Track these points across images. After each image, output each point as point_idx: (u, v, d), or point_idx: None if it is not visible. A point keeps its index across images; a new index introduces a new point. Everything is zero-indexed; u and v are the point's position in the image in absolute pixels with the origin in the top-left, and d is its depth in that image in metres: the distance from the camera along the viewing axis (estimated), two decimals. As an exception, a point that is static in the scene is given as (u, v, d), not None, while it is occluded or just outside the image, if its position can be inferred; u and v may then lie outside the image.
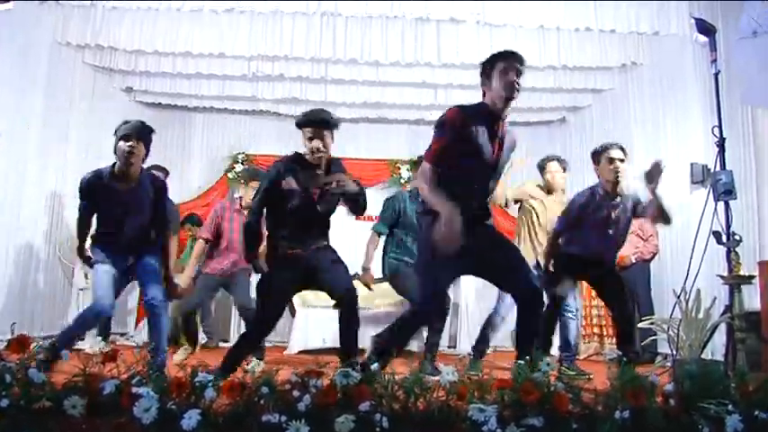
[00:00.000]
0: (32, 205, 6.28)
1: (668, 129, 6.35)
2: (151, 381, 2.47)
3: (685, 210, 5.72)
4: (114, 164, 3.98)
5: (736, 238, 3.58)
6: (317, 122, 3.81)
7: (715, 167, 3.73)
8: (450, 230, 3.03)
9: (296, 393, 2.39)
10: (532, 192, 5.78)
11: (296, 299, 7.20)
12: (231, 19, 6.47)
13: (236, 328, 7.86)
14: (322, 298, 5.71)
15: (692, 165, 5.78)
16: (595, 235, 4.66)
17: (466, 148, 3.24)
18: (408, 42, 6.58)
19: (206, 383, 2.41)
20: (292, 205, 3.82)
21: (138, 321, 7.67)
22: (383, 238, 5.45)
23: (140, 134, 3.98)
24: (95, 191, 3.98)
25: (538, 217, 5.66)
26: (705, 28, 3.89)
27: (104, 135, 7.39)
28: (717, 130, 3.73)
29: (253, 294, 4.80)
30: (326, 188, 3.82)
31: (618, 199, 4.70)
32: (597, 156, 4.69)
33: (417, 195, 4.46)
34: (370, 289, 5.45)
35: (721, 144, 3.71)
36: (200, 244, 5.67)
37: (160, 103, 8.29)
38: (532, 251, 5.54)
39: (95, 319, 4.07)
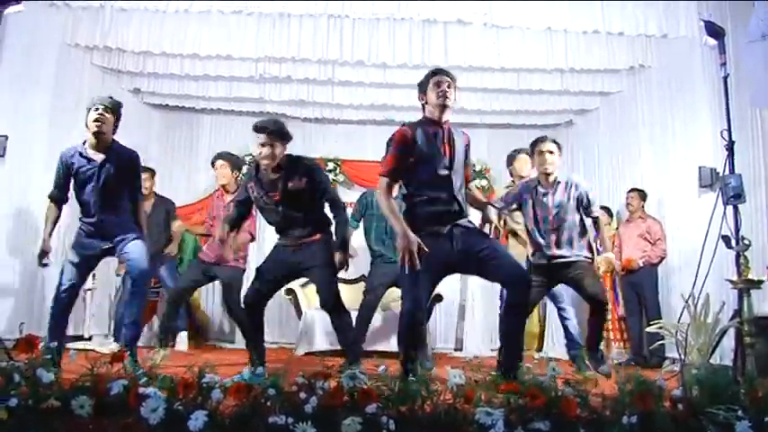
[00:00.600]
0: (39, 206, 6.27)
1: (676, 132, 6.33)
2: (158, 381, 2.47)
3: (693, 214, 5.71)
4: (85, 141, 4.22)
5: (746, 242, 3.56)
6: (262, 130, 4.31)
7: (724, 171, 3.71)
8: (403, 238, 3.44)
9: (303, 395, 2.38)
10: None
11: (302, 300, 7.20)
12: (239, 21, 6.48)
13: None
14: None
15: (700, 168, 5.76)
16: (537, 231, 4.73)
17: (418, 158, 3.60)
18: (415, 44, 6.57)
19: (213, 384, 2.41)
20: (260, 208, 4.48)
21: (143, 324, 7.68)
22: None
23: (109, 104, 4.16)
24: (69, 160, 4.20)
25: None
26: (714, 30, 3.87)
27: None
28: (726, 134, 3.71)
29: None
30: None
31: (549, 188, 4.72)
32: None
33: None
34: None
35: (730, 147, 3.69)
36: None
37: (168, 105, 8.31)
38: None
39: (56, 306, 4.17)
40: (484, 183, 8.57)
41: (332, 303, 4.40)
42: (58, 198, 4.29)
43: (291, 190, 4.31)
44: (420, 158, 3.61)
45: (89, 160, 4.15)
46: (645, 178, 6.83)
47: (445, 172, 3.65)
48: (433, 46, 6.56)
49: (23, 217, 6.00)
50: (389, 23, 6.50)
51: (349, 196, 8.50)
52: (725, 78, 3.82)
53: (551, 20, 6.13)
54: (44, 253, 4.29)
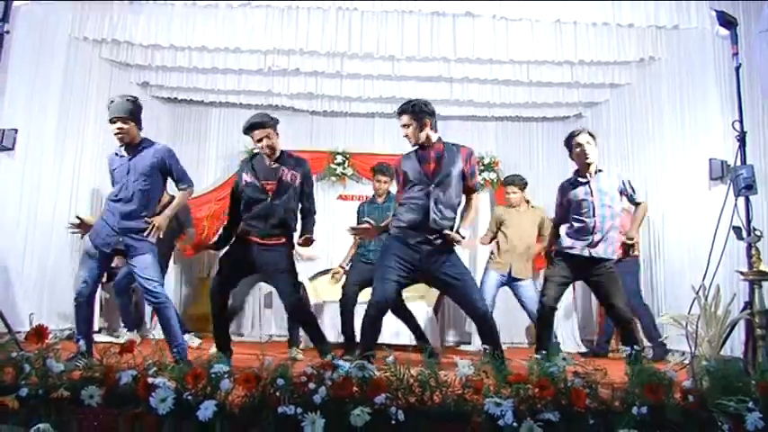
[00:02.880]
0: (49, 198, 6.32)
1: (687, 124, 6.28)
2: (166, 371, 2.48)
3: (704, 206, 5.67)
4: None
5: (757, 233, 3.53)
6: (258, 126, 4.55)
7: (735, 162, 3.68)
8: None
9: (311, 386, 2.39)
10: (499, 213, 6.56)
11: (311, 293, 7.22)
12: (247, 13, 6.47)
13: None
14: (337, 292, 5.77)
15: (710, 161, 5.72)
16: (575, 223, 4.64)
17: (404, 178, 4.24)
18: (424, 37, 6.54)
19: (222, 375, 2.41)
20: (247, 197, 4.63)
21: (153, 315, 7.72)
22: None
23: (124, 114, 4.23)
24: (111, 160, 4.36)
25: (507, 228, 6.38)
26: (726, 20, 3.83)
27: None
28: (737, 125, 3.68)
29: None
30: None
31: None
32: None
33: (373, 201, 6.10)
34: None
35: (742, 138, 3.66)
36: None
37: (176, 98, 8.32)
38: (502, 263, 6.30)
39: (76, 308, 4.19)
40: (492, 176, 8.53)
41: (297, 307, 4.64)
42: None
43: (285, 181, 4.56)
44: (405, 178, 4.23)
45: (121, 156, 4.29)
46: (654, 171, 6.80)
47: (422, 185, 4.14)
48: (442, 38, 6.53)
49: (34, 209, 6.02)
50: (398, 16, 6.48)
51: (358, 189, 8.53)
52: (737, 69, 3.78)
53: (561, 12, 6.09)
54: (83, 225, 4.41)
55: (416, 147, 4.27)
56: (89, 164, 6.95)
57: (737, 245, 3.72)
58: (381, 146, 8.70)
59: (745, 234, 3.56)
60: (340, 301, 5.78)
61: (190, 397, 2.36)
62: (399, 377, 2.50)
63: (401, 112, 4.28)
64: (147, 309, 7.55)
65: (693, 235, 5.94)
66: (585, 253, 4.48)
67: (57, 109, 6.35)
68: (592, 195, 4.54)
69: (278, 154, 4.61)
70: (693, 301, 3.67)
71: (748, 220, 3.57)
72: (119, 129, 4.20)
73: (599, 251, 4.48)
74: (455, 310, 8.11)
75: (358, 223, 5.85)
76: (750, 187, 3.56)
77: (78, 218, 4.43)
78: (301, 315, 4.74)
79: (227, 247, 4.73)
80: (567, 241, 4.60)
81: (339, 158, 8.51)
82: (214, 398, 2.35)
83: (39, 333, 2.59)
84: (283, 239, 4.57)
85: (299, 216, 4.74)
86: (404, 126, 4.25)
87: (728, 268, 4.21)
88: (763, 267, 3.51)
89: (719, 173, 5.60)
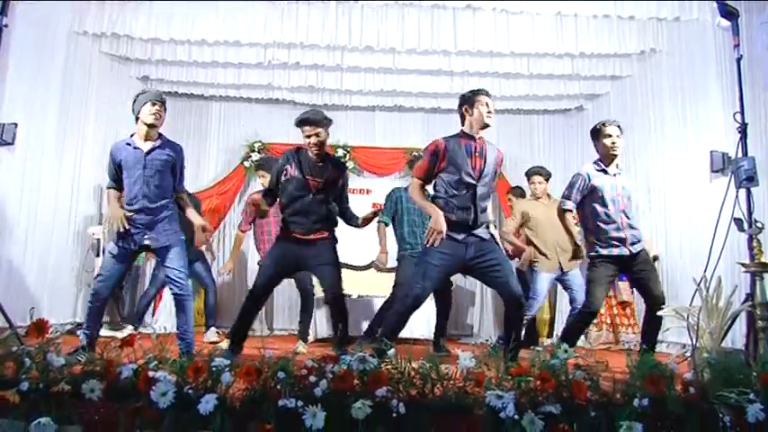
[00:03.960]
0: (50, 193, 6.32)
1: (688, 116, 6.27)
2: (167, 364, 2.48)
3: (705, 198, 5.67)
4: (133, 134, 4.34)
5: (758, 225, 3.53)
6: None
7: (737, 154, 3.67)
8: (436, 222, 3.96)
9: (312, 379, 2.39)
10: (524, 207, 6.41)
11: (317, 287, 7.22)
12: (247, 7, 6.46)
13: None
14: (349, 287, 5.75)
15: (711, 153, 5.71)
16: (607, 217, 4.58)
17: (446, 166, 4.12)
18: (425, 30, 6.53)
19: (223, 368, 2.41)
20: (290, 192, 4.59)
21: (155, 309, 7.73)
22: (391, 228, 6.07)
23: (164, 101, 4.32)
24: (119, 150, 4.31)
25: (537, 224, 6.25)
26: (728, 12, 3.82)
27: (121, 124, 7.46)
28: (739, 117, 3.67)
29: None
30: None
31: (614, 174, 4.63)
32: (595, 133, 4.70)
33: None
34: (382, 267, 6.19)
35: (743, 130, 3.65)
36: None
37: (176, 92, 8.31)
38: (551, 262, 6.12)
39: (93, 306, 4.22)
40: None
41: (339, 298, 4.58)
42: (116, 188, 4.38)
43: (329, 179, 4.57)
44: (448, 167, 4.11)
45: (135, 148, 4.25)
46: (656, 163, 6.79)
47: (471, 181, 4.08)
48: (443, 31, 6.52)
49: (34, 204, 6.02)
50: (398, 8, 6.47)
51: (359, 183, 8.53)
52: (738, 60, 3.77)
53: (561, 4, 6.08)
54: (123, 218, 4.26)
55: (460, 135, 4.22)
56: (89, 159, 6.95)
57: (739, 237, 3.72)
58: (382, 139, 8.70)
59: (746, 226, 3.55)
60: (396, 300, 5.33)
61: (190, 391, 2.36)
62: (400, 370, 2.50)
63: (489, 94, 4.33)
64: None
65: (694, 227, 5.94)
66: (624, 252, 4.46)
67: (57, 104, 6.35)
68: (617, 189, 4.53)
69: (324, 151, 4.58)
70: (695, 293, 3.65)
71: (749, 212, 3.57)
72: (157, 110, 4.22)
73: (637, 246, 4.48)
74: (456, 304, 8.12)
75: (390, 207, 5.98)
76: (751, 179, 3.56)
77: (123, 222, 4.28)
78: (341, 307, 4.61)
79: (274, 247, 4.70)
80: (603, 249, 4.51)
81: (340, 152, 8.50)
82: (215, 391, 2.35)
83: (39, 327, 2.59)
84: (326, 233, 4.59)
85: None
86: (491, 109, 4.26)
87: (730, 260, 4.21)
88: (764, 259, 3.51)
89: (720, 165, 5.60)
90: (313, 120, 4.47)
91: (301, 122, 4.49)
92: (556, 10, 6.23)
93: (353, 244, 6.09)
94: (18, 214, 5.79)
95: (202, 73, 7.66)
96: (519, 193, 7.20)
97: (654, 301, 4.40)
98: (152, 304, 7.11)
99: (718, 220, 3.61)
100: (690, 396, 2.47)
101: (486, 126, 4.20)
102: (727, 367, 2.58)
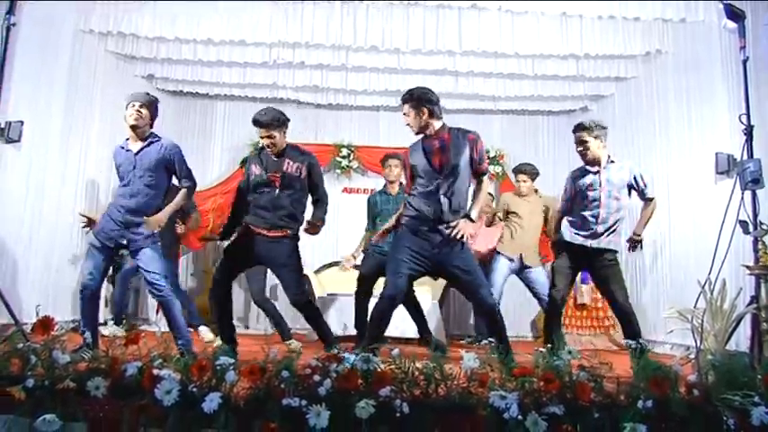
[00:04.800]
0: (55, 191, 6.33)
1: (693, 118, 6.26)
2: (172, 362, 2.48)
3: (710, 200, 5.66)
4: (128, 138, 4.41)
5: (764, 227, 3.52)
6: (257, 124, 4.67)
7: (742, 156, 3.66)
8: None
9: (316, 378, 2.39)
10: (507, 200, 6.52)
11: (316, 286, 7.24)
12: (252, 6, 6.46)
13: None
14: (342, 285, 5.79)
15: (716, 155, 5.69)
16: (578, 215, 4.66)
17: (412, 170, 4.24)
18: (429, 30, 6.52)
19: (227, 367, 2.42)
20: (254, 188, 4.77)
21: (158, 308, 7.75)
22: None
23: (144, 101, 4.38)
24: (116, 153, 4.42)
25: (516, 217, 6.34)
26: (734, 13, 3.81)
27: (126, 123, 7.48)
28: (744, 118, 3.66)
29: None
30: None
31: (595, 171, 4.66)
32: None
33: (385, 191, 6.07)
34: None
35: (749, 132, 3.64)
36: None
37: (181, 91, 8.32)
38: (511, 249, 6.27)
39: (83, 300, 4.24)
40: (498, 169, 8.53)
41: (303, 300, 4.69)
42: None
43: (290, 173, 4.66)
44: (414, 171, 4.23)
45: (127, 150, 4.33)
46: (660, 164, 6.77)
47: (432, 180, 4.11)
48: (448, 31, 6.51)
49: (39, 201, 6.04)
50: (403, 8, 6.46)
51: (363, 183, 8.53)
52: (744, 62, 3.76)
53: (566, 5, 6.07)
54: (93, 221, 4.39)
55: (422, 136, 4.26)
56: (94, 157, 6.96)
57: (744, 239, 3.71)
58: (386, 139, 8.69)
59: (751, 228, 3.55)
60: (355, 293, 5.72)
61: (195, 389, 2.37)
62: (404, 370, 2.50)
63: (402, 101, 4.28)
64: (152, 302, 7.60)
65: (699, 229, 5.92)
66: (587, 244, 4.51)
67: (62, 102, 6.36)
68: (600, 186, 4.55)
69: (281, 149, 4.71)
70: (699, 296, 3.65)
71: (755, 214, 3.56)
72: (137, 111, 4.28)
73: (600, 242, 4.49)
74: (460, 304, 8.13)
75: (369, 213, 6.04)
76: (757, 181, 3.55)
77: (84, 215, 4.45)
78: (305, 309, 4.76)
79: (233, 239, 4.80)
80: (567, 233, 4.65)
81: (344, 151, 8.51)
82: (219, 390, 2.36)
83: (45, 325, 2.60)
84: (288, 232, 4.62)
85: (307, 209, 4.83)
86: (404, 115, 4.26)
87: (735, 262, 4.20)
88: (769, 261, 3.50)
89: (726, 167, 5.58)
90: (263, 122, 4.62)
91: (253, 123, 4.67)
92: (561, 10, 6.22)
93: (347, 244, 6.13)
94: (23, 212, 5.80)
95: (207, 72, 7.67)
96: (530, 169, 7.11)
97: (618, 312, 4.51)
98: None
99: (723, 223, 3.60)
100: (694, 398, 2.47)
101: (417, 134, 4.29)
102: (731, 370, 2.58)
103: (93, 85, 6.92)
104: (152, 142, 4.35)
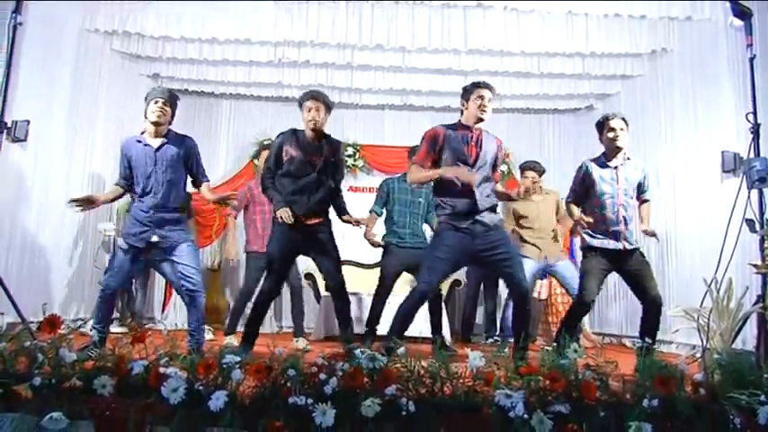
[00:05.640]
0: (60, 190, 6.35)
1: (699, 116, 6.24)
2: (179, 360, 2.49)
3: (716, 199, 5.64)
4: (143, 131, 4.34)
5: (770, 226, 3.51)
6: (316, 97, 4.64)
7: (749, 154, 3.66)
8: (455, 173, 4.03)
9: (322, 376, 2.39)
10: (516, 209, 6.38)
11: (321, 285, 7.24)
12: (257, 5, 6.47)
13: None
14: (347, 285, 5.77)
15: (723, 153, 5.68)
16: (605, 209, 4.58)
17: (444, 153, 4.17)
18: (435, 28, 6.52)
19: (233, 365, 2.42)
20: (289, 171, 4.67)
21: (164, 306, 7.77)
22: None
23: (168, 99, 4.34)
24: (129, 147, 4.31)
25: (528, 222, 6.28)
26: (741, 11, 3.80)
27: (131, 121, 7.50)
28: (751, 117, 3.65)
29: None
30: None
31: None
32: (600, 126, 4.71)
33: (405, 179, 5.59)
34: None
35: (756, 130, 3.64)
36: None
37: (187, 90, 8.33)
38: (535, 252, 6.13)
39: (103, 301, 4.22)
40: (504, 168, 8.51)
41: (343, 288, 4.71)
42: (124, 186, 4.37)
43: (327, 159, 4.64)
44: (445, 152, 4.16)
45: (146, 145, 4.26)
46: (667, 163, 6.76)
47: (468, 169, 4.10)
48: (453, 30, 6.51)
49: (45, 201, 6.06)
50: (409, 7, 6.46)
51: (368, 181, 8.54)
52: (751, 60, 3.75)
53: (572, 3, 6.06)
54: (89, 201, 4.28)
55: (453, 124, 4.32)
56: (100, 156, 6.98)
57: (750, 238, 3.70)
58: (392, 138, 8.70)
59: (758, 227, 3.54)
60: (377, 289, 5.60)
61: (201, 387, 2.37)
62: (410, 368, 2.50)
63: (489, 87, 4.31)
64: (158, 301, 7.63)
65: (705, 228, 5.91)
66: (620, 247, 4.45)
67: (67, 101, 6.37)
68: (617, 183, 4.52)
69: (321, 131, 4.67)
70: (705, 294, 3.65)
71: (761, 213, 3.55)
72: (160, 108, 4.22)
73: (632, 242, 4.47)
74: (464, 303, 8.11)
75: (380, 197, 5.90)
76: (764, 180, 3.54)
77: (75, 199, 4.28)
78: (345, 296, 4.74)
79: (276, 234, 4.64)
80: (596, 241, 4.51)
81: (350, 150, 8.51)
82: (225, 388, 2.36)
83: (51, 323, 2.61)
84: (322, 218, 4.66)
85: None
86: (490, 101, 4.26)
87: (741, 261, 4.18)
88: (775, 260, 3.49)
89: (732, 165, 5.56)
90: (317, 95, 4.61)
91: (306, 96, 4.62)
92: (566, 9, 6.21)
93: (361, 241, 6.06)
94: (28, 211, 5.82)
95: (213, 71, 7.68)
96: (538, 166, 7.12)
97: (651, 304, 4.37)
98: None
99: (729, 221, 3.60)
100: (700, 397, 2.47)
101: (479, 120, 4.25)
102: (737, 368, 2.57)
103: (98, 84, 6.94)
104: (171, 138, 4.34)
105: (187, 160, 4.36)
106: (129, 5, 6.52)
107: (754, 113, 3.66)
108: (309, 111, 4.58)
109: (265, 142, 8.50)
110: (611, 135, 4.55)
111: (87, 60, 6.70)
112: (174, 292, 7.28)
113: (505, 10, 6.32)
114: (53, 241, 6.23)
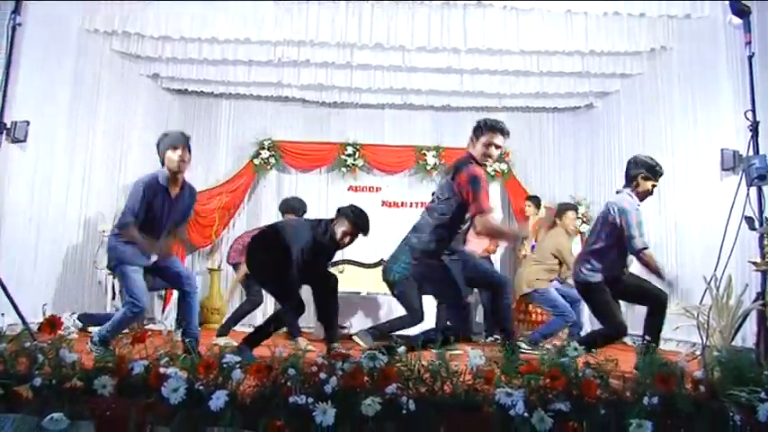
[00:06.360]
0: (60, 190, 6.36)
1: (698, 114, 6.24)
2: (179, 361, 2.49)
3: (715, 197, 5.64)
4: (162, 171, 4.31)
5: (770, 223, 3.51)
6: None
7: (748, 152, 3.66)
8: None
9: (322, 375, 2.40)
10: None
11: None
12: (257, 5, 6.47)
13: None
14: (348, 284, 5.79)
15: (722, 151, 5.67)
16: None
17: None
18: (434, 27, 6.52)
19: (233, 365, 2.43)
20: None
21: (164, 307, 7.77)
22: None
23: (187, 143, 4.27)
24: (153, 192, 4.23)
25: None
26: (740, 9, 3.80)
27: (131, 121, 7.51)
28: (750, 114, 3.65)
29: None
30: None
31: None
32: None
33: None
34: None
35: (755, 128, 3.63)
36: None
37: (186, 90, 8.34)
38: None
39: (135, 317, 4.25)
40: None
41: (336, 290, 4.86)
42: (136, 225, 4.25)
43: None
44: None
45: (167, 192, 4.29)
46: (666, 161, 6.73)
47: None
48: (453, 29, 6.51)
49: (45, 202, 6.06)
50: (408, 6, 6.46)
51: (368, 181, 8.54)
52: (750, 58, 3.75)
53: (571, 2, 6.06)
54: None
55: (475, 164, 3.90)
56: (100, 157, 6.99)
57: (750, 235, 3.70)
58: (392, 137, 8.71)
59: (757, 224, 3.54)
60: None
61: (201, 387, 2.37)
62: (410, 367, 2.50)
63: (505, 132, 3.93)
64: (158, 301, 7.64)
65: (705, 225, 5.91)
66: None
67: (67, 102, 6.37)
68: None
69: None
70: (705, 292, 3.64)
71: (761, 211, 3.55)
72: (181, 156, 4.19)
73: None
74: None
75: None
76: (763, 177, 3.54)
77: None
78: (336, 299, 4.83)
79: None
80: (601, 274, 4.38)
81: (349, 149, 8.51)
82: (225, 388, 2.36)
83: (52, 324, 2.61)
84: None
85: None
86: (498, 148, 3.96)
87: (740, 259, 4.19)
88: (775, 258, 3.49)
89: (731, 163, 5.56)
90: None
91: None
92: (566, 7, 6.21)
93: (361, 240, 6.07)
94: (29, 212, 5.82)
95: (212, 71, 7.69)
96: (537, 202, 7.39)
97: (658, 301, 4.32)
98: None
99: (728, 219, 3.60)
100: (700, 395, 2.47)
101: (483, 166, 3.93)
102: (737, 366, 2.58)
103: (98, 84, 6.94)
104: (184, 187, 4.41)
105: (191, 208, 4.58)
106: (129, 5, 6.52)
107: (753, 111, 3.66)
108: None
109: (265, 142, 8.51)
110: (652, 188, 4.47)
111: (87, 61, 6.70)
112: (174, 293, 7.27)
113: (505, 8, 6.32)
114: (53, 242, 6.24)
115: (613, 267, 4.36)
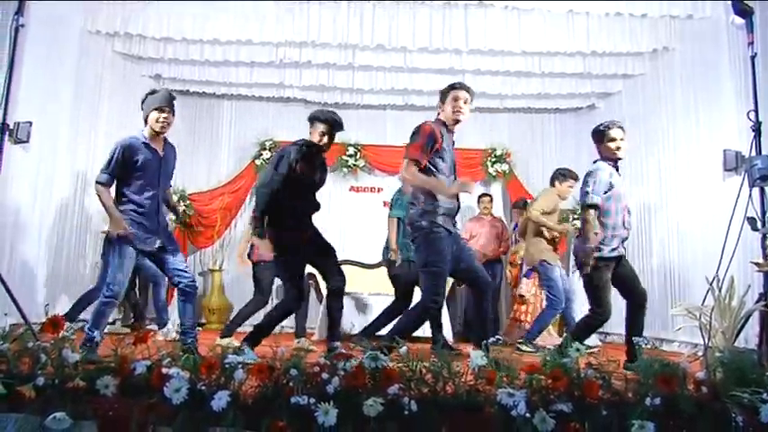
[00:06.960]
0: (63, 191, 6.37)
1: (700, 115, 6.23)
2: (182, 361, 2.49)
3: (718, 198, 5.64)
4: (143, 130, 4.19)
5: (772, 224, 3.50)
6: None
7: (750, 152, 3.65)
8: (460, 188, 3.93)
9: (324, 376, 2.40)
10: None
11: (323, 285, 7.24)
12: (259, 6, 6.48)
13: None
14: (348, 284, 5.78)
15: (724, 151, 5.67)
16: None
17: (440, 151, 4.00)
18: (436, 28, 6.53)
19: (236, 365, 2.43)
20: (299, 191, 4.48)
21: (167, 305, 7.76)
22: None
23: (173, 105, 4.21)
24: (136, 151, 4.07)
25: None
26: (742, 9, 3.79)
27: (133, 122, 7.49)
28: (753, 115, 3.64)
29: None
30: None
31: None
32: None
33: None
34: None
35: (757, 129, 3.62)
36: None
37: (188, 91, 8.35)
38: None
39: (111, 305, 4.07)
40: (504, 167, 8.53)
41: (343, 290, 4.65)
42: (110, 184, 4.15)
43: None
44: (442, 162, 3.97)
45: (153, 150, 4.14)
46: (668, 161, 6.76)
47: (450, 174, 4.04)
48: (454, 30, 6.52)
49: (47, 201, 6.07)
50: (410, 7, 6.47)
51: (370, 181, 8.55)
52: (752, 58, 3.74)
53: (573, 2, 6.06)
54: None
55: (445, 124, 4.11)
56: (102, 157, 6.95)
57: (752, 236, 3.69)
58: (393, 138, 8.70)
59: (759, 225, 3.53)
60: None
61: (203, 387, 2.37)
62: (412, 368, 2.50)
63: (469, 89, 4.15)
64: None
65: (707, 226, 5.90)
66: (623, 252, 4.44)
67: (69, 103, 6.39)
68: (622, 188, 4.49)
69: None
70: (707, 293, 3.64)
71: (763, 211, 3.54)
72: (165, 119, 4.11)
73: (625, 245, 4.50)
74: (465, 303, 8.11)
75: (400, 201, 5.72)
76: (765, 178, 3.53)
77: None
78: (342, 298, 4.71)
79: (294, 250, 4.51)
80: (608, 249, 4.37)
81: (351, 150, 8.53)
82: (228, 388, 2.36)
83: (54, 324, 2.61)
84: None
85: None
86: (466, 102, 4.12)
87: (743, 259, 4.19)
88: (777, 258, 3.48)
89: (734, 164, 5.56)
90: (329, 119, 4.59)
91: (336, 124, 4.63)
92: (567, 8, 6.22)
93: (363, 241, 6.06)
94: (32, 212, 5.84)
95: (214, 72, 7.71)
96: (523, 204, 7.39)
97: (639, 298, 4.41)
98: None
99: (731, 219, 3.59)
100: (702, 395, 2.47)
101: (456, 122, 4.12)
102: (739, 367, 2.57)
103: (100, 85, 6.96)
104: (168, 144, 4.29)
105: (173, 168, 4.37)
106: (131, 6, 6.53)
107: (756, 111, 3.65)
108: (325, 135, 4.58)
109: (267, 143, 8.51)
110: (612, 145, 4.49)
111: (89, 62, 6.72)
112: (175, 293, 7.28)
113: (506, 9, 6.34)
114: (55, 242, 6.25)
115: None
